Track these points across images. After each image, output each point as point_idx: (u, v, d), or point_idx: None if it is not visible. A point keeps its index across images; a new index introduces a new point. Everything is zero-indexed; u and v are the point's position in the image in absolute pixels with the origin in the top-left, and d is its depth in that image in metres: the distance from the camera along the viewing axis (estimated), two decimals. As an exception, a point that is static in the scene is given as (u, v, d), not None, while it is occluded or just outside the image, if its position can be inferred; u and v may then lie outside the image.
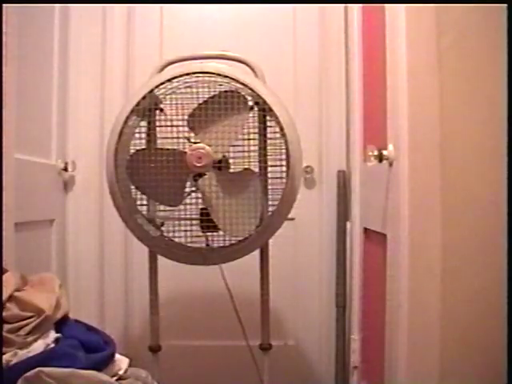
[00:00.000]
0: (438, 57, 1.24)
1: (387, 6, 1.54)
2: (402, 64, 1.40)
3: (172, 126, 1.61)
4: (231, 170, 1.63)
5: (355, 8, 2.07)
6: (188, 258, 1.63)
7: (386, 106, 1.54)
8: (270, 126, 1.65)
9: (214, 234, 1.61)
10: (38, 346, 1.10)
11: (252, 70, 1.67)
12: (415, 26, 1.36)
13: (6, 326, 1.08)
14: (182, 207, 1.61)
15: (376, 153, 1.50)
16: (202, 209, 1.59)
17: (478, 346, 1.22)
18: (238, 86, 1.57)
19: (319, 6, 2.32)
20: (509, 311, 1.14)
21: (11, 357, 1.06)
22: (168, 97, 1.62)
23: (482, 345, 1.22)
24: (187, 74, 1.59)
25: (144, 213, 1.62)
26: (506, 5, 1.18)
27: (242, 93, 1.57)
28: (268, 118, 1.64)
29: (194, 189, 1.58)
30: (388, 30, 1.53)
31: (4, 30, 1.38)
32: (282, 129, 1.57)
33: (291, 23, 2.32)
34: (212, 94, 1.58)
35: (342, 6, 2.26)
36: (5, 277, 1.18)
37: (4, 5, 1.37)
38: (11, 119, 1.59)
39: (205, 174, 1.54)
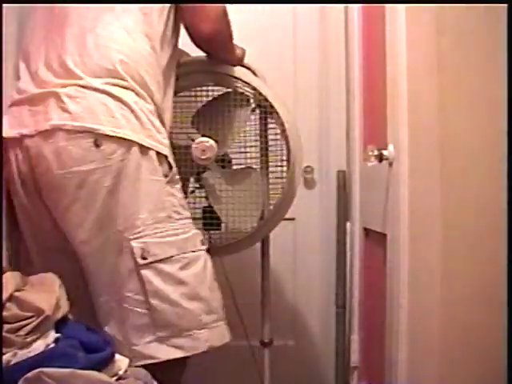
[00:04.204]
0: (438, 57, 1.24)
1: (387, 6, 1.54)
2: (401, 64, 1.40)
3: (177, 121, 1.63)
4: (234, 167, 1.67)
5: (355, 8, 2.07)
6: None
7: (386, 106, 1.54)
8: (272, 123, 1.66)
9: (217, 232, 1.64)
10: (38, 346, 1.10)
11: (250, 70, 1.68)
12: (415, 26, 1.36)
13: (6, 326, 1.08)
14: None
15: (376, 153, 1.50)
16: (204, 207, 1.62)
17: (478, 347, 1.22)
18: (240, 84, 1.60)
19: (319, 6, 2.32)
20: (509, 311, 1.14)
21: (11, 357, 1.06)
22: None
23: (482, 345, 1.22)
24: (194, 73, 1.60)
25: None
26: (506, 5, 1.18)
27: (245, 91, 1.60)
28: (269, 117, 1.66)
29: (197, 185, 1.62)
30: (388, 30, 1.54)
31: (4, 31, 1.38)
32: (283, 125, 1.59)
33: (291, 23, 2.31)
34: (216, 93, 1.62)
35: (342, 6, 2.26)
36: (5, 277, 1.18)
37: (4, 5, 1.37)
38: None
39: (209, 169, 1.58)
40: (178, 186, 1.38)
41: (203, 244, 1.39)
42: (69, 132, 1.27)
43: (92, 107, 1.28)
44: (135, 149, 1.29)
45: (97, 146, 1.27)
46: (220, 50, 1.58)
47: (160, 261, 1.29)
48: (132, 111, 1.30)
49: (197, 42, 1.50)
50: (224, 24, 1.48)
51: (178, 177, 1.38)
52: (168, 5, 1.42)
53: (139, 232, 1.29)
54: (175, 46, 1.48)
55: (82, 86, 1.29)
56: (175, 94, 1.58)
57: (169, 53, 1.44)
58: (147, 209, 1.30)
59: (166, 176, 1.33)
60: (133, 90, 1.32)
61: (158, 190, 1.31)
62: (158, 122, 1.35)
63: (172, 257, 1.31)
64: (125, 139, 1.28)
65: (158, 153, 1.32)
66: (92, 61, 1.32)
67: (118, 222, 1.29)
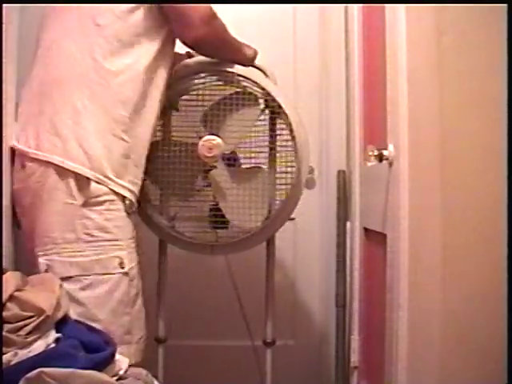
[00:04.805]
0: (438, 57, 1.24)
1: (387, 5, 1.55)
2: (401, 64, 1.40)
3: (186, 122, 1.65)
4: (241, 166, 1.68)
5: (355, 8, 2.07)
6: (197, 249, 1.68)
7: (386, 106, 1.54)
8: (280, 123, 1.67)
9: (223, 230, 1.66)
10: (39, 346, 1.10)
11: (261, 70, 1.68)
12: (415, 26, 1.36)
13: (7, 326, 1.09)
14: (192, 204, 1.66)
15: (376, 153, 1.50)
16: (211, 205, 1.64)
17: (478, 346, 1.22)
18: (249, 84, 1.61)
19: (319, 6, 2.32)
20: (509, 311, 1.15)
21: (12, 357, 1.06)
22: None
23: (482, 345, 1.22)
24: (202, 72, 1.61)
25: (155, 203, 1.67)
26: (506, 5, 1.18)
27: (254, 91, 1.60)
28: (277, 117, 1.66)
29: (204, 184, 1.64)
30: (388, 30, 1.54)
31: (4, 32, 1.38)
32: (291, 125, 1.59)
33: (291, 23, 2.32)
34: (225, 92, 1.63)
35: (342, 5, 2.26)
36: (5, 277, 1.18)
37: (4, 5, 1.37)
38: (11, 119, 1.59)
39: (215, 168, 1.60)
40: (100, 208, 1.37)
41: (122, 267, 1.38)
42: (13, 152, 1.39)
43: (25, 128, 1.38)
44: (52, 171, 1.34)
45: (23, 166, 1.37)
46: (215, 53, 1.56)
47: (61, 279, 1.31)
48: (59, 135, 1.35)
49: (186, 46, 1.49)
50: (213, 28, 1.44)
51: (103, 199, 1.37)
52: (140, 9, 1.40)
53: (47, 250, 1.35)
54: (160, 50, 1.44)
55: (29, 102, 1.39)
56: (185, 93, 1.60)
57: (147, 59, 1.41)
58: (58, 229, 1.34)
59: (85, 198, 1.35)
60: (73, 108, 1.35)
61: (70, 212, 1.35)
62: (95, 144, 1.36)
63: (73, 277, 1.34)
64: (44, 161, 1.34)
65: (79, 175, 1.35)
66: (45, 76, 1.39)
67: (34, 239, 1.36)
